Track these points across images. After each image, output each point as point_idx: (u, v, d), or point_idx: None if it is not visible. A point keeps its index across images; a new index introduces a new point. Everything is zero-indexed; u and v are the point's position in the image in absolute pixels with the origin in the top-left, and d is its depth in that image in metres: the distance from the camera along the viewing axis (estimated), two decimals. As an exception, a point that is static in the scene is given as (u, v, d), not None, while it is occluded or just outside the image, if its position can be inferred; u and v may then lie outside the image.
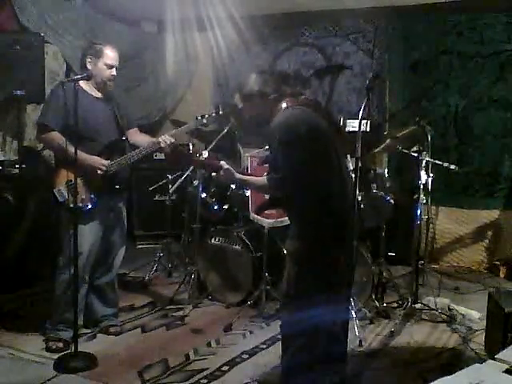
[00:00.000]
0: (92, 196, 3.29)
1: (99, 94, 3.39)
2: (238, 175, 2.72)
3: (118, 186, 3.40)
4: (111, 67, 3.33)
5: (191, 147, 3.02)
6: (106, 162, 3.29)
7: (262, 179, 2.66)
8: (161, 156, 5.65)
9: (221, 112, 3.76)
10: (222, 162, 2.72)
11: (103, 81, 3.34)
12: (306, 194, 2.54)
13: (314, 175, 2.51)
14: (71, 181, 3.14)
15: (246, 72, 2.78)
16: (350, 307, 3.38)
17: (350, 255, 2.68)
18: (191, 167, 4.33)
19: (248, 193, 4.04)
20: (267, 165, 2.68)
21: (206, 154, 2.90)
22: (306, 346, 2.57)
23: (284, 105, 2.56)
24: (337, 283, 2.59)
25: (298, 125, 2.48)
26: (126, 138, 3.48)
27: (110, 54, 3.32)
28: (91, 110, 3.29)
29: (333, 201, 2.54)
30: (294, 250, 2.57)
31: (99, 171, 3.27)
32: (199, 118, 3.67)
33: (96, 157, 3.28)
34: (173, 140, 3.40)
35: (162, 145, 3.38)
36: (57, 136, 3.23)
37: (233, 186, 4.22)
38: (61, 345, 3.30)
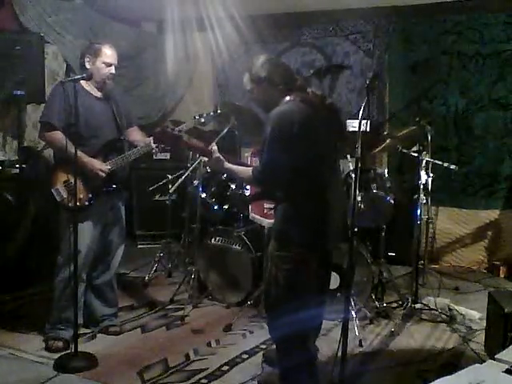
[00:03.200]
0: (90, 195, 3.30)
1: (99, 94, 3.39)
2: (227, 164, 2.68)
3: (115, 186, 3.41)
4: (110, 65, 3.33)
5: (184, 137, 2.96)
6: (106, 168, 3.29)
7: (248, 169, 2.64)
8: (161, 156, 5.66)
9: (219, 111, 3.76)
10: (214, 148, 2.69)
11: (102, 79, 3.34)
12: (289, 190, 2.52)
13: (299, 171, 2.49)
14: (69, 180, 3.14)
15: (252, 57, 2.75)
16: (350, 307, 3.39)
17: (332, 256, 2.69)
18: (191, 166, 4.33)
19: (248, 193, 4.04)
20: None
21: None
22: (296, 346, 2.58)
23: (287, 98, 2.56)
24: (315, 284, 2.59)
25: (291, 118, 2.46)
26: (125, 138, 3.48)
27: (108, 53, 3.32)
28: (91, 110, 3.30)
29: (314, 202, 2.52)
30: (273, 251, 2.56)
31: (98, 176, 3.27)
32: (197, 117, 3.67)
33: (96, 160, 3.28)
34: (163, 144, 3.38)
35: (154, 146, 3.37)
36: (59, 135, 3.23)
37: (233, 186, 4.22)
38: (60, 344, 3.29)
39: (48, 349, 3.29)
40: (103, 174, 3.28)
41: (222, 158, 2.67)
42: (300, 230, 2.50)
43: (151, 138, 3.37)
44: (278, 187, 2.54)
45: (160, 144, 3.19)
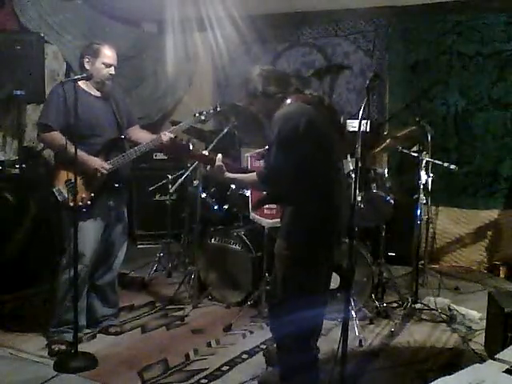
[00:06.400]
0: (92, 195, 3.29)
1: (98, 93, 3.39)
2: (227, 174, 2.70)
3: (117, 185, 3.40)
4: (109, 66, 3.33)
5: (191, 147, 3.00)
6: (107, 166, 3.29)
7: (251, 175, 2.66)
8: (161, 156, 5.68)
9: (219, 108, 3.76)
10: (219, 157, 2.70)
11: (101, 80, 3.34)
12: (296, 191, 2.53)
13: (306, 171, 2.50)
14: (71, 180, 3.15)
15: (246, 72, 2.78)
16: (350, 307, 3.38)
17: (338, 255, 2.69)
18: (191, 166, 4.33)
19: (248, 193, 4.04)
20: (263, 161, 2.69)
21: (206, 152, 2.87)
22: (299, 346, 2.58)
23: (288, 101, 2.59)
24: (322, 284, 2.60)
25: (297, 119, 2.49)
26: (125, 137, 3.48)
27: (108, 53, 3.32)
28: (90, 109, 3.30)
29: (322, 201, 2.53)
30: (281, 251, 2.57)
31: (100, 174, 3.27)
32: (197, 114, 3.67)
33: (97, 159, 3.28)
34: (173, 136, 3.41)
35: (164, 139, 3.38)
36: (58, 136, 3.23)
37: (233, 186, 4.22)
38: (63, 347, 3.27)
39: (50, 352, 3.26)
40: (104, 171, 3.27)
41: (223, 167, 2.67)
42: (310, 230, 2.51)
43: (160, 135, 3.38)
44: (285, 188, 2.55)
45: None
